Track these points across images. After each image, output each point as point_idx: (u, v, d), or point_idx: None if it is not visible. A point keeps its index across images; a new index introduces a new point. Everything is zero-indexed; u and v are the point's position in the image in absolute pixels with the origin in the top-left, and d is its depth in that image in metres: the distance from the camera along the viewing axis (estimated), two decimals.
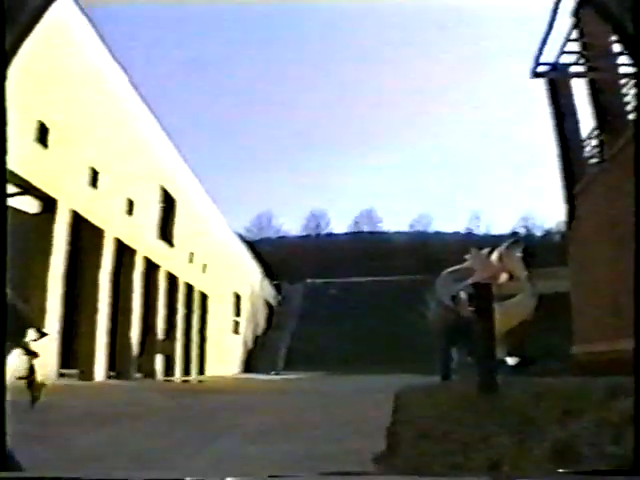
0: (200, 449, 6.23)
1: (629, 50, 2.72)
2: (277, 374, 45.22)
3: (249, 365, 52.84)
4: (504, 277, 26.19)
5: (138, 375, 28.79)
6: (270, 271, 67.62)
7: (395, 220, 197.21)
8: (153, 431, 8.08)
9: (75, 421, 9.07)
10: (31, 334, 13.82)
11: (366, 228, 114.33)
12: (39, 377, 13.28)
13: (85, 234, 24.21)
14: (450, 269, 28.42)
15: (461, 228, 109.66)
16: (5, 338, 2.45)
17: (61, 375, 21.18)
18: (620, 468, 2.43)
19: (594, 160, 19.58)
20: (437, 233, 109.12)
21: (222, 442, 6.88)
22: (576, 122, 20.88)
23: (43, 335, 14.96)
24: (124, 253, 27.83)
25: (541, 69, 19.22)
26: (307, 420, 9.27)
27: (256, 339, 58.70)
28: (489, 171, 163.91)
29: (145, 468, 5.22)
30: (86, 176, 23.60)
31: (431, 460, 4.47)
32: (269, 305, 66.83)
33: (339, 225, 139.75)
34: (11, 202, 19.61)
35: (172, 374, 33.60)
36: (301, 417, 9.93)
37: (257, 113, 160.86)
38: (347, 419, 9.19)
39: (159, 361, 32.32)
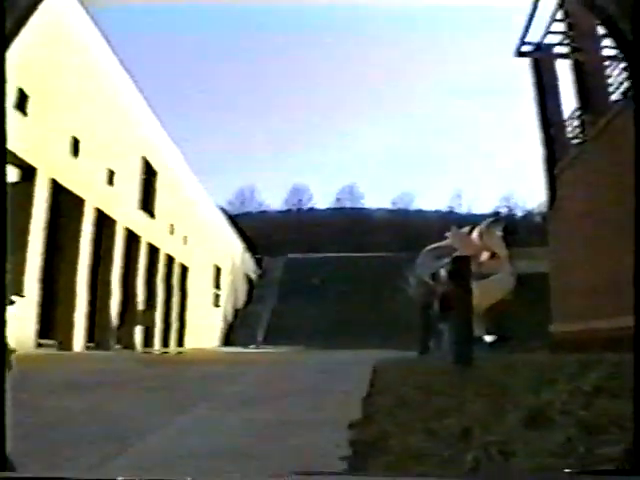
0: (178, 415, 6.27)
1: (624, 52, 2.73)
2: (257, 347, 45.30)
3: (229, 338, 52.94)
4: (485, 255, 26.34)
5: (117, 346, 28.79)
6: (251, 245, 67.62)
7: (377, 197, 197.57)
8: (131, 398, 8.11)
9: (52, 388, 9.07)
10: None
11: (348, 204, 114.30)
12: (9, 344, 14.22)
13: (65, 204, 24.10)
14: (430, 247, 28.57)
15: (443, 206, 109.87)
16: (5, 335, 2.46)
17: (39, 345, 21.15)
18: (619, 467, 2.49)
19: (576, 140, 19.63)
20: (419, 211, 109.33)
21: (200, 408, 6.93)
22: (559, 102, 20.92)
23: (11, 302, 15.58)
24: (104, 223, 27.73)
25: (525, 48, 19.27)
26: (284, 390, 9.31)
27: (236, 312, 58.78)
28: (472, 150, 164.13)
29: (121, 431, 5.25)
30: (67, 145, 23.46)
31: (405, 426, 4.52)
32: (250, 279, 66.88)
33: (321, 201, 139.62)
34: None
35: (151, 346, 33.61)
36: (279, 387, 9.97)
37: (241, 88, 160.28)
38: (324, 389, 9.25)
39: (138, 332, 32.30)
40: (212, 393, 8.67)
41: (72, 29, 23.70)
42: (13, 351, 10.44)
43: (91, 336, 26.50)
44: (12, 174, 21.13)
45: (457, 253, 23.72)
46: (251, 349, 41.66)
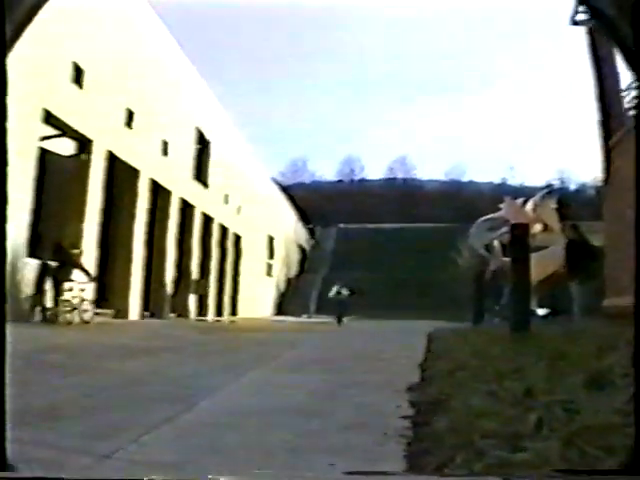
0: (239, 376, 6.38)
1: (629, 61, 2.70)
2: (309, 317, 45.55)
3: (281, 308, 53.25)
4: (538, 228, 26.04)
5: (172, 315, 29.16)
6: (304, 215, 67.74)
7: (429, 168, 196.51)
8: (192, 361, 8.26)
9: (115, 353, 9.26)
10: (81, 277, 18.84)
11: (400, 175, 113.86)
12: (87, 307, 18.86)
13: (120, 175, 24.36)
14: (484, 218, 28.35)
15: (495, 178, 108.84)
16: (5, 336, 2.53)
17: (96, 314, 21.53)
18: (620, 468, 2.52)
19: (633, 112, 19.23)
20: (471, 182, 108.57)
21: (260, 371, 7.03)
22: (615, 72, 20.49)
23: (92, 279, 19.83)
24: (159, 193, 27.99)
25: (580, 17, 18.86)
26: (342, 355, 9.40)
27: (289, 282, 59.04)
28: (526, 122, 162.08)
29: (185, 392, 5.37)
30: (121, 117, 23.69)
31: (465, 388, 4.56)
32: (302, 249, 67.05)
33: (373, 171, 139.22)
34: (48, 144, 19.86)
35: (205, 314, 33.97)
36: (336, 353, 10.07)
37: (295, 59, 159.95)
38: (381, 355, 9.31)
39: (192, 301, 32.67)
40: (271, 357, 8.78)
41: (123, 3, 23.80)
42: (74, 309, 12.27)
43: (146, 305, 26.87)
44: (69, 146, 21.47)
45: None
46: (304, 318, 41.94)
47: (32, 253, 18.45)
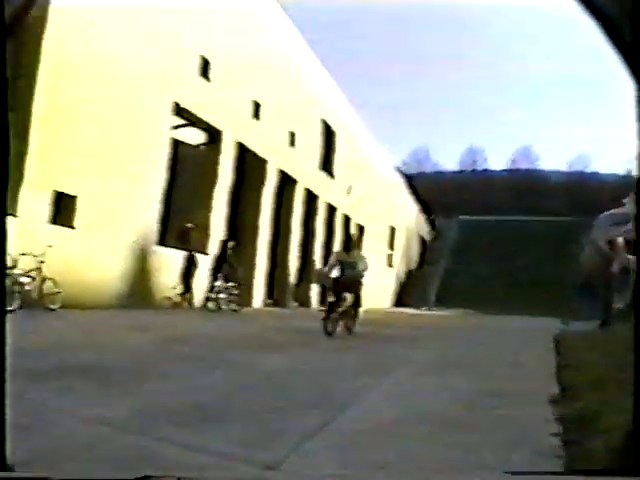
0: (378, 379, 6.42)
1: (626, 58, 2.60)
2: (429, 309, 45.24)
3: (401, 299, 52.90)
4: None
5: (294, 304, 29.45)
6: (425, 206, 67.06)
7: (553, 159, 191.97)
8: (324, 358, 8.35)
9: (245, 345, 9.45)
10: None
11: (523, 166, 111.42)
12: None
13: (249, 165, 24.76)
14: (608, 212, 27.54)
15: (620, 170, 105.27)
16: (5, 337, 2.50)
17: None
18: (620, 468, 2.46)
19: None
20: (595, 174, 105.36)
21: (395, 373, 7.09)
22: None
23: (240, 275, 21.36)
24: (286, 184, 28.30)
25: None
26: (473, 358, 9.37)
27: (409, 273, 58.60)
28: None
29: (325, 395, 5.46)
30: (249, 109, 24.08)
31: (613, 406, 4.46)
32: (423, 240, 66.49)
33: (496, 162, 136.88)
34: (177, 134, 20.43)
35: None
36: (466, 354, 10.04)
37: (418, 46, 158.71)
38: (513, 359, 9.23)
39: (314, 291, 32.88)
40: (402, 357, 8.82)
41: None
42: (223, 298, 18.50)
43: (270, 293, 27.25)
44: (198, 137, 22.03)
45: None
46: (423, 311, 41.71)
47: (162, 241, 19.14)
